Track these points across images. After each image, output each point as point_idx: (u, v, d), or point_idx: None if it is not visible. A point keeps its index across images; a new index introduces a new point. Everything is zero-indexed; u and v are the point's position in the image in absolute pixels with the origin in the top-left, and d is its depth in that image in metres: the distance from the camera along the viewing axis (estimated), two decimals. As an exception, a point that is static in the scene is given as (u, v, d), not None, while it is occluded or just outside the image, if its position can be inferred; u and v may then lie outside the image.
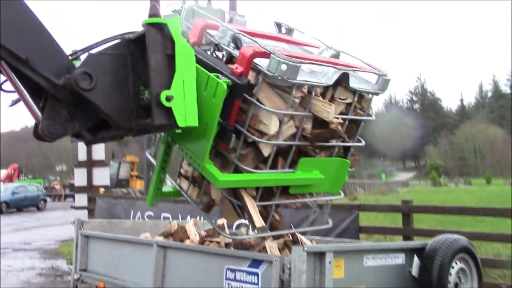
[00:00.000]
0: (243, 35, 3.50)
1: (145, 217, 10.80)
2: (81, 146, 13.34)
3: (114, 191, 15.62)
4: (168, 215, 10.20)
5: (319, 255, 3.19)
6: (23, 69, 2.76)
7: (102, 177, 13.39)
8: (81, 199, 13.25)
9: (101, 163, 13.40)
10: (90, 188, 13.18)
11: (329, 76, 3.50)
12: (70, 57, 3.09)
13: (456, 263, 3.79)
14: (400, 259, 3.74)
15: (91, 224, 5.33)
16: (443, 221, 13.35)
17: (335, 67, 3.54)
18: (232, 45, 3.56)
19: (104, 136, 3.28)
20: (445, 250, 3.70)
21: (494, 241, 7.12)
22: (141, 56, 3.01)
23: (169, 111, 2.90)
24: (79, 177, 13.43)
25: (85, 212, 12.96)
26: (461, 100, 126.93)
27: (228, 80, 3.11)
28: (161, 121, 2.91)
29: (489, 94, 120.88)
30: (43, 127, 2.84)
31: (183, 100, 2.97)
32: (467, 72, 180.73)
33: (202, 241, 4.55)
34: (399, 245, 3.81)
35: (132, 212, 11.15)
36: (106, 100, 2.89)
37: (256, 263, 3.30)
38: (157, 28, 2.94)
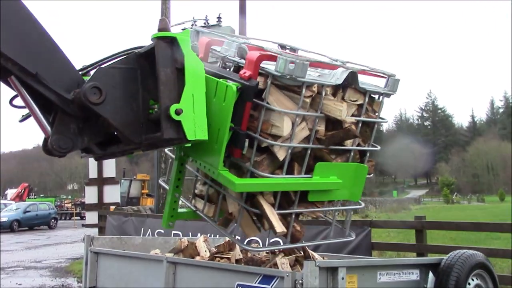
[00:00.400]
0: (249, 44, 3.50)
1: (156, 234, 10.75)
2: (92, 164, 13.38)
3: (124, 209, 15.58)
4: (179, 232, 10.15)
5: (332, 271, 3.12)
6: (33, 84, 2.77)
7: (112, 194, 13.39)
8: (92, 217, 13.25)
9: (112, 181, 13.41)
10: (100, 206, 13.17)
11: (337, 76, 3.50)
12: (80, 72, 3.10)
13: (472, 280, 3.71)
14: (414, 275, 3.66)
15: (100, 240, 5.29)
16: (457, 239, 13.14)
17: (343, 67, 3.54)
18: (238, 56, 3.56)
19: (113, 151, 3.27)
20: (461, 266, 3.62)
21: (510, 258, 6.97)
22: (150, 70, 3.02)
23: (178, 124, 2.89)
24: (90, 195, 13.45)
25: (96, 230, 12.95)
26: (472, 117, 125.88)
27: (237, 83, 3.12)
28: (171, 134, 2.90)
29: (501, 110, 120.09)
30: (52, 142, 2.85)
31: (193, 113, 2.96)
32: (478, 88, 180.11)
33: (212, 257, 4.50)
34: (414, 260, 3.73)
35: (142, 229, 11.12)
36: (115, 114, 2.90)
37: (267, 279, 3.23)
38: (167, 41, 2.95)
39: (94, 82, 2.80)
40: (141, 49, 3.07)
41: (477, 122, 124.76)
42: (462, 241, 10.49)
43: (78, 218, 36.13)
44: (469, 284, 3.66)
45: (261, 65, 3.25)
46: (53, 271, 12.46)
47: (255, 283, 3.30)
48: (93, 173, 13.45)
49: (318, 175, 3.45)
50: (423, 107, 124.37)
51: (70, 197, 66.38)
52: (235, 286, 3.43)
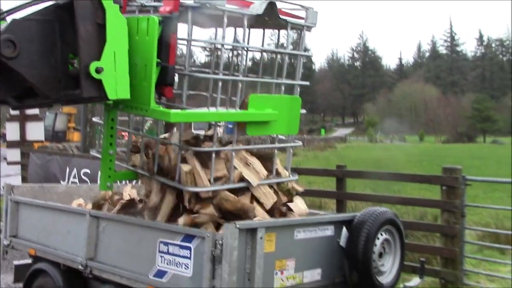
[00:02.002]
0: None
1: (82, 174, 10.59)
2: (13, 99, 12.74)
3: (49, 147, 15.11)
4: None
5: (251, 231, 3.27)
6: None
7: (36, 131, 12.91)
8: (14, 154, 12.77)
9: (35, 118, 12.88)
10: (23, 143, 12.70)
11: (257, 7, 3.53)
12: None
13: (381, 234, 3.99)
14: (329, 231, 3.89)
15: (21, 189, 5.19)
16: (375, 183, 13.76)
17: None
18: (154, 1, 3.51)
19: (31, 103, 3.17)
20: (372, 223, 3.88)
21: (420, 206, 7.52)
22: (70, 23, 2.87)
23: (99, 83, 2.84)
24: (12, 132, 12.88)
25: (19, 168, 12.56)
26: (400, 59, 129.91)
27: (159, 16, 3.08)
28: (91, 93, 2.84)
29: (427, 54, 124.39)
30: None
31: (114, 71, 2.91)
32: (407, 31, 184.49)
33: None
34: (329, 218, 3.94)
35: (68, 169, 10.89)
36: (31, 69, 2.78)
37: (189, 238, 3.34)
38: None
39: (8, 35, 2.66)
40: (61, 0, 2.92)
41: (404, 64, 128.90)
42: (379, 187, 11.11)
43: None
44: (378, 238, 3.94)
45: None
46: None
47: (178, 241, 3.40)
48: (14, 109, 12.84)
49: (254, 108, 3.49)
50: (355, 48, 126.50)
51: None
52: (158, 243, 3.52)
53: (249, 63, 4.26)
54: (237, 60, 3.66)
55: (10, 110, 13.10)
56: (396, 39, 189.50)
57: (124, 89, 2.99)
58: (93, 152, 4.33)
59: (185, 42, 3.45)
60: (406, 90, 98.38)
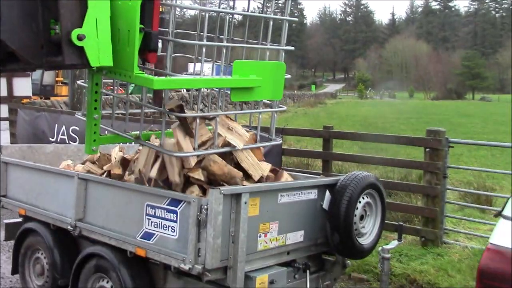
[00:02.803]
0: None
1: (70, 131, 10.58)
2: (-1, 54, 12.55)
3: (37, 102, 15.00)
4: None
5: (236, 196, 3.36)
6: None
7: (23, 87, 12.78)
8: (2, 110, 12.68)
9: (23, 74, 12.73)
10: (11, 99, 12.60)
11: None
12: None
13: (363, 198, 4.11)
14: (313, 194, 4.00)
15: (9, 149, 5.23)
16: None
17: None
18: None
19: (13, 67, 3.14)
20: (354, 187, 3.99)
21: (403, 168, 7.66)
22: None
23: (81, 50, 2.84)
24: (-2, 87, 12.76)
25: (7, 123, 12.49)
26: (393, 14, 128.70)
27: None
28: (73, 60, 2.85)
29: (420, 10, 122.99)
30: None
31: (96, 38, 2.91)
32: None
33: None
34: (312, 182, 4.04)
35: (56, 126, 10.86)
36: (12, 35, 2.76)
37: (175, 202, 3.43)
38: None
39: None
40: None
41: (397, 20, 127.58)
42: (366, 145, 11.24)
43: None
44: (360, 202, 4.06)
45: None
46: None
47: (164, 204, 3.50)
48: (0, 64, 12.67)
49: (238, 74, 3.50)
50: (347, 2, 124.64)
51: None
52: (145, 206, 3.62)
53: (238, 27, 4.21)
54: (225, 24, 3.62)
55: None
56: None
57: (107, 56, 3.00)
58: (78, 115, 4.34)
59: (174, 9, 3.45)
60: (398, 46, 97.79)
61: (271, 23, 3.94)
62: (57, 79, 31.16)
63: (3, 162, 4.96)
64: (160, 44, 3.41)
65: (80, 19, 2.83)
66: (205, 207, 3.23)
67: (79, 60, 2.87)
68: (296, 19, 4.15)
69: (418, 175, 7.90)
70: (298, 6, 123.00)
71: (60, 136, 10.80)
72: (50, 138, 10.92)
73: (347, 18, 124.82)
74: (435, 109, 40.12)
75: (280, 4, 4.21)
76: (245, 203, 3.38)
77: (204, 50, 3.53)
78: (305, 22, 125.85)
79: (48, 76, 30.25)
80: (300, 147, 11.75)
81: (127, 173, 4.18)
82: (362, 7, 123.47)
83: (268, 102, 4.20)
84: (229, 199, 3.32)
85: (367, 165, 7.90)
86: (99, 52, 2.94)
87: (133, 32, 3.05)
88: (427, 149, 6.21)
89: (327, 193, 4.06)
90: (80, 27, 2.82)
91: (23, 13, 2.78)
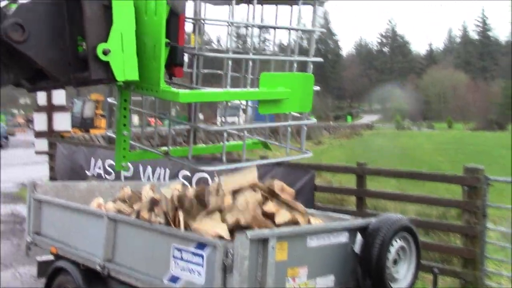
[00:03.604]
0: None
1: (106, 165, 10.78)
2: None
3: (75, 137, 15.38)
4: (129, 164, 10.19)
5: (262, 241, 3.29)
6: None
7: (63, 122, 13.16)
8: (42, 144, 13.06)
9: (62, 108, 13.14)
10: (50, 134, 12.97)
11: None
12: (7, 2, 2.93)
13: (396, 241, 3.97)
14: (343, 237, 3.89)
15: (44, 187, 5.31)
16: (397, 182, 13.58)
17: None
18: None
19: (43, 86, 3.18)
20: (386, 230, 3.86)
21: (441, 206, 7.43)
22: (77, 5, 2.85)
23: (106, 64, 2.84)
24: (39, 122, 13.17)
25: (46, 157, 12.83)
26: (430, 45, 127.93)
27: None
28: (99, 75, 2.84)
29: (458, 40, 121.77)
30: None
31: (122, 53, 2.90)
32: (437, 17, 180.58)
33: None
34: (343, 225, 3.93)
35: (92, 160, 11.09)
36: (40, 52, 2.78)
37: (201, 245, 3.38)
38: None
39: (16, 19, 2.65)
40: None
41: (434, 50, 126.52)
42: (402, 184, 11.01)
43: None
44: (393, 245, 3.92)
45: None
46: (3, 197, 12.41)
47: (190, 247, 3.45)
48: (42, 100, 13.10)
49: (265, 86, 3.42)
50: (383, 34, 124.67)
51: (22, 112, 64.61)
52: (172, 248, 3.58)
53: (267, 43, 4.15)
54: (252, 38, 3.58)
55: (38, 101, 13.40)
56: (426, 25, 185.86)
57: (132, 70, 2.98)
58: (109, 132, 4.36)
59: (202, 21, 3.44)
60: (435, 76, 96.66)
61: (296, 34, 3.83)
62: (96, 111, 32.06)
63: (37, 199, 5.04)
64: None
65: (106, 34, 2.84)
66: (231, 251, 3.17)
67: (105, 75, 2.87)
68: (324, 30, 4.03)
69: (457, 212, 7.65)
70: (334, 37, 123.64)
71: (96, 170, 11.01)
72: (87, 172, 11.14)
73: (383, 49, 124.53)
74: (475, 140, 39.15)
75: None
76: (273, 247, 3.30)
77: (230, 63, 3.47)
78: (340, 53, 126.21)
79: (89, 109, 31.18)
80: (335, 181, 11.58)
81: (153, 213, 4.17)
82: (398, 37, 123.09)
83: (298, 115, 4.09)
84: (256, 244, 3.25)
85: (403, 204, 7.69)
86: (124, 66, 2.93)
87: (159, 47, 3.03)
88: (465, 187, 6.01)
89: (358, 236, 3.94)
90: (106, 41, 2.84)
91: (50, 29, 2.81)
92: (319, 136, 38.82)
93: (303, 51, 3.98)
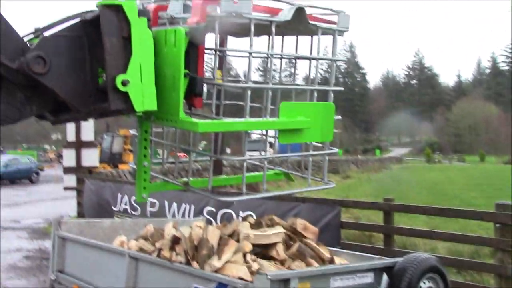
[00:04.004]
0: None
1: (132, 201, 10.82)
2: (70, 127, 13.28)
3: (103, 172, 15.56)
4: (155, 200, 10.23)
5: (284, 282, 3.20)
6: None
7: (91, 158, 13.37)
8: (70, 180, 13.26)
9: (90, 144, 13.36)
10: (79, 169, 13.16)
11: (285, 13, 3.42)
12: (33, 35, 2.97)
13: (424, 283, 3.82)
14: (369, 278, 3.76)
15: (68, 224, 5.33)
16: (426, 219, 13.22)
17: (288, 3, 3.44)
18: (184, 13, 3.45)
19: (66, 118, 3.20)
20: (414, 270, 3.73)
21: (472, 244, 7.19)
22: (97, 37, 2.90)
23: (125, 95, 2.86)
24: (68, 158, 13.41)
25: (74, 193, 13.00)
26: (459, 76, 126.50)
27: (186, 28, 3.08)
28: (118, 106, 2.87)
29: (487, 71, 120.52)
30: None
31: (140, 83, 2.93)
32: (466, 48, 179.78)
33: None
34: (368, 265, 3.81)
35: (119, 196, 11.15)
36: (61, 84, 2.82)
37: (222, 286, 3.32)
38: (112, 10, 2.87)
39: (38, 52, 2.71)
40: (87, 16, 2.96)
41: (463, 82, 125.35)
42: (433, 219, 10.73)
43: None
44: (421, 287, 3.78)
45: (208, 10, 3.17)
46: (31, 233, 12.57)
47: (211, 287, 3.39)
48: (71, 136, 13.37)
49: (285, 116, 3.39)
50: (410, 66, 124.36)
51: (54, 147, 66.12)
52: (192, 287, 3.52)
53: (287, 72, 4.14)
54: (270, 67, 3.58)
55: (67, 137, 13.68)
56: (454, 56, 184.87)
57: (151, 101, 3.00)
58: (131, 164, 4.38)
59: (223, 53, 3.45)
60: (465, 108, 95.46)
61: (315, 63, 3.79)
62: (125, 147, 32.54)
63: (61, 237, 5.06)
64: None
65: (125, 65, 2.88)
66: (252, 293, 3.09)
67: (124, 105, 2.89)
68: (344, 59, 4.00)
69: (491, 249, 7.38)
70: (360, 71, 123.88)
71: (123, 206, 11.06)
72: (113, 208, 11.20)
73: (411, 81, 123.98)
74: (509, 174, 38.12)
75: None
76: (294, 288, 3.21)
77: (249, 93, 3.40)
78: (368, 86, 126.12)
79: (117, 145, 31.67)
80: (364, 217, 11.36)
81: (174, 252, 4.12)
82: (426, 70, 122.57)
83: (319, 144, 4.02)
84: (277, 284, 3.16)
85: (432, 241, 7.47)
86: (143, 96, 2.95)
87: (178, 78, 3.06)
88: (497, 225, 5.80)
89: (385, 276, 3.82)
90: (124, 73, 2.87)
91: (71, 61, 2.86)
92: (347, 170, 38.40)
93: (326, 81, 3.97)
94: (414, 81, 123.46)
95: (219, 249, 3.79)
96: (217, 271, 3.60)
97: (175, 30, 3.06)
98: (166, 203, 10.02)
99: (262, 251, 3.93)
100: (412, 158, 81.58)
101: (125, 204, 11.02)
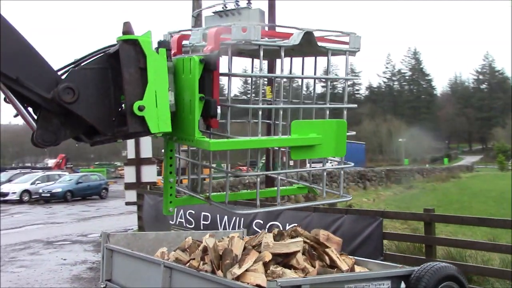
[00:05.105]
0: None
1: (187, 215, 11.29)
2: (130, 145, 14.04)
3: (161, 187, 16.22)
4: (208, 214, 10.66)
5: (296, 288, 3.42)
6: (15, 87, 3.06)
7: (149, 174, 14.03)
8: (131, 195, 13.96)
9: (149, 161, 14.03)
10: (139, 185, 13.85)
11: (294, 38, 3.62)
12: (71, 65, 3.34)
13: (441, 291, 3.91)
14: (385, 285, 3.90)
15: (116, 237, 5.79)
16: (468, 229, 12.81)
17: (297, 28, 3.65)
18: (204, 41, 3.77)
19: (98, 140, 3.52)
20: (429, 278, 3.84)
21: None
22: (120, 69, 3.26)
23: (142, 119, 3.20)
24: (129, 174, 14.14)
25: (135, 207, 13.66)
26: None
27: (200, 56, 3.39)
28: (136, 128, 3.22)
29: None
30: (37, 136, 3.18)
31: (155, 108, 3.26)
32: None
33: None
34: (383, 274, 3.94)
35: (175, 209, 11.65)
36: (88, 111, 3.21)
37: (241, 293, 3.58)
38: (130, 43, 3.22)
39: (67, 83, 3.11)
40: (111, 50, 3.32)
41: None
42: (474, 231, 10.43)
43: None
44: (437, 295, 3.87)
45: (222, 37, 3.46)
46: (96, 246, 13.30)
47: (232, 294, 3.66)
48: (131, 154, 14.10)
49: (296, 133, 3.55)
50: (479, 70, 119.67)
51: (123, 164, 68.98)
52: (218, 296, 3.81)
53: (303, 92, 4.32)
54: (281, 88, 3.84)
55: (128, 155, 14.44)
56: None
57: (165, 123, 3.32)
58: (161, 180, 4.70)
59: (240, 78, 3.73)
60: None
61: (328, 83, 4.04)
62: (188, 162, 33.45)
63: (109, 249, 5.51)
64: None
65: (142, 92, 3.22)
66: (264, 299, 3.33)
67: (141, 128, 3.23)
68: (357, 77, 4.10)
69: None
70: (426, 77, 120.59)
71: (178, 220, 11.56)
72: (170, 222, 11.73)
73: (481, 86, 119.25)
74: None
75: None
76: (306, 295, 3.42)
77: (260, 113, 3.65)
78: (435, 93, 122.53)
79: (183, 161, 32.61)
80: (416, 228, 11.24)
81: (203, 262, 4.43)
82: (497, 73, 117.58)
83: (337, 159, 4.18)
84: (288, 291, 3.39)
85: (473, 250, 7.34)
86: (158, 120, 3.27)
87: (193, 101, 3.37)
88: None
89: (402, 284, 3.94)
90: (141, 99, 3.20)
91: (96, 91, 3.24)
92: (411, 180, 37.54)
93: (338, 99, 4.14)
94: (484, 86, 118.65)
95: (241, 258, 4.07)
96: (237, 278, 3.88)
97: (190, 59, 3.38)
98: (218, 216, 10.45)
99: (284, 260, 4.17)
100: (484, 166, 78.15)
101: (181, 218, 11.51)
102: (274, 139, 3.74)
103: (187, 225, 11.28)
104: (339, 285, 3.66)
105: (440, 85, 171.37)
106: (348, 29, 3.96)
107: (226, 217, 10.23)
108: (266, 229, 9.06)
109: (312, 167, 4.42)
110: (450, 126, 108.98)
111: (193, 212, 10.97)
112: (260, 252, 4.14)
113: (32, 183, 30.62)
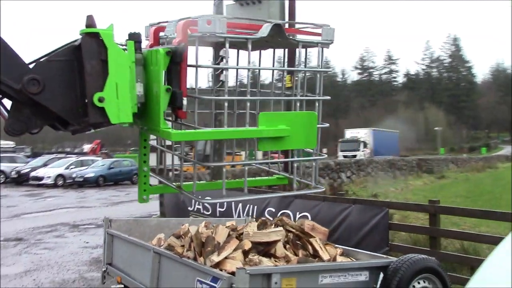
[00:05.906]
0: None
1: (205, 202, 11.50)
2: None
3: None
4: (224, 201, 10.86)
5: (266, 276, 3.52)
6: None
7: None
8: (154, 181, 14.22)
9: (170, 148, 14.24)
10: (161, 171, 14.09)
11: (262, 30, 3.64)
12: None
13: (418, 283, 3.93)
14: (363, 276, 3.95)
15: (118, 222, 5.99)
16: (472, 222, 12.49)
17: (265, 21, 3.68)
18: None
19: (71, 129, 3.64)
20: (405, 270, 3.86)
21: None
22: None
23: (102, 110, 3.31)
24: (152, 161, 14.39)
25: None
26: None
27: (167, 48, 3.47)
28: (96, 119, 3.33)
29: None
30: (7, 125, 3.32)
31: (116, 100, 3.35)
32: None
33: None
34: (358, 264, 3.99)
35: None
36: (54, 101, 3.32)
37: (215, 279, 3.70)
38: (92, 36, 3.33)
39: (33, 75, 3.23)
40: (76, 43, 3.42)
41: None
42: (480, 223, 10.19)
43: None
44: (414, 286, 3.89)
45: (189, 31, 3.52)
46: (120, 230, 13.68)
47: (208, 280, 3.79)
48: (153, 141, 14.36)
49: (264, 125, 3.57)
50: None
51: (158, 150, 69.95)
52: (196, 281, 3.94)
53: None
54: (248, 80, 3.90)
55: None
56: None
57: (126, 114, 3.41)
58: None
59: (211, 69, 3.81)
60: None
61: (299, 75, 4.02)
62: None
63: (110, 234, 5.72)
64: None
65: (102, 84, 3.32)
66: (234, 285, 3.44)
67: (102, 119, 3.34)
68: (329, 69, 4.07)
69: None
70: (466, 64, 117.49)
71: (196, 206, 11.79)
72: (189, 208, 11.97)
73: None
74: None
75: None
76: (276, 283, 3.51)
77: (226, 104, 3.62)
78: (475, 80, 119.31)
79: (210, 146, 32.93)
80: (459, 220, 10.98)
81: (185, 248, 4.57)
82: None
83: (310, 150, 4.19)
84: (259, 279, 3.49)
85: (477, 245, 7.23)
86: (119, 111, 3.37)
87: (159, 92, 3.45)
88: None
89: (381, 275, 3.98)
90: (101, 91, 3.30)
91: (62, 82, 3.34)
92: (444, 170, 36.85)
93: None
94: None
95: (222, 246, 4.18)
96: (216, 265, 4.00)
97: (156, 51, 3.46)
98: (233, 204, 10.63)
99: (264, 249, 4.27)
100: (525, 156, 75.75)
101: (198, 204, 11.73)
102: (239, 130, 3.72)
103: (204, 212, 11.49)
104: (312, 274, 3.73)
105: (481, 73, 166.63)
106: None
107: (240, 204, 10.40)
108: (272, 218, 9.18)
109: (280, 159, 4.41)
110: (490, 115, 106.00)
111: (210, 199, 11.14)
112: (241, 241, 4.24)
113: (66, 168, 31.51)
